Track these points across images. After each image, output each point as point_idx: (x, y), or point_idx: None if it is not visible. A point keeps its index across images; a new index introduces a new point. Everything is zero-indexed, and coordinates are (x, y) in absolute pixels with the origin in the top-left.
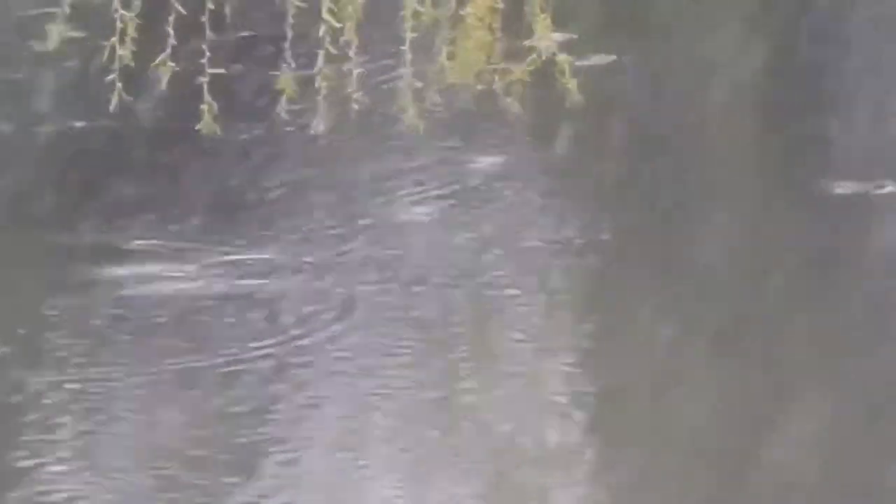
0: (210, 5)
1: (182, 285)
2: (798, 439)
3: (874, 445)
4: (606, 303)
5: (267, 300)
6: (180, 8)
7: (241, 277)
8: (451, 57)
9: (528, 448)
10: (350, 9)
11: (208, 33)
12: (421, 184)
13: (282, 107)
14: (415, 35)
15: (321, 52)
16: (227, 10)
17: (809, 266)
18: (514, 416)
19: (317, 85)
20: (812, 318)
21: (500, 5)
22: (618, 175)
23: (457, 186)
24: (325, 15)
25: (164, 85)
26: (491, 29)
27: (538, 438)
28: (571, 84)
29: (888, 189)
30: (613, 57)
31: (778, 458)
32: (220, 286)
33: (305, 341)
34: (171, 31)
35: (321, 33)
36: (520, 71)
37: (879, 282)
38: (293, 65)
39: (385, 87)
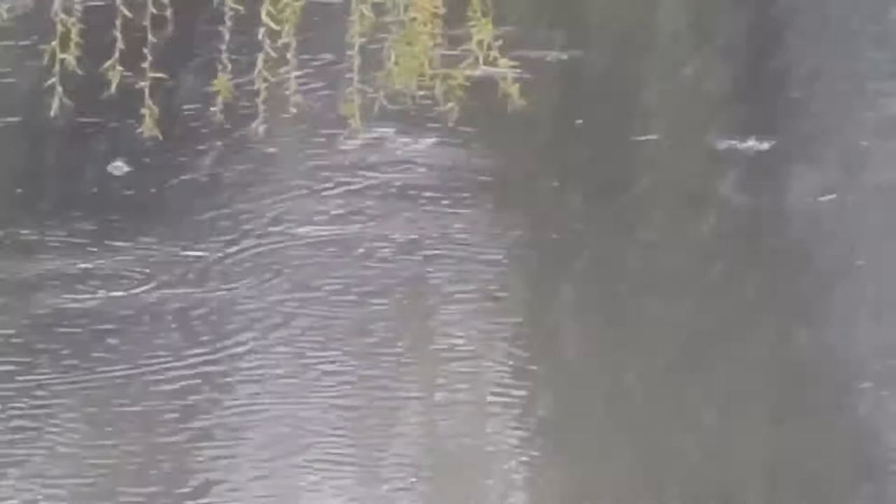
0: (152, 9)
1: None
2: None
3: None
4: (543, 304)
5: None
6: (126, 11)
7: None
8: (396, 62)
9: (462, 454)
10: (289, 11)
11: (150, 37)
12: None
13: (218, 109)
14: (363, 40)
15: (260, 55)
16: (169, 13)
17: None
18: (449, 419)
19: (255, 87)
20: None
21: (442, 10)
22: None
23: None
24: (265, 18)
25: (112, 89)
26: (432, 34)
27: (472, 443)
28: (513, 88)
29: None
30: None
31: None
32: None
33: (223, 353)
34: (118, 35)
35: (260, 36)
36: (460, 76)
37: None
38: (230, 67)
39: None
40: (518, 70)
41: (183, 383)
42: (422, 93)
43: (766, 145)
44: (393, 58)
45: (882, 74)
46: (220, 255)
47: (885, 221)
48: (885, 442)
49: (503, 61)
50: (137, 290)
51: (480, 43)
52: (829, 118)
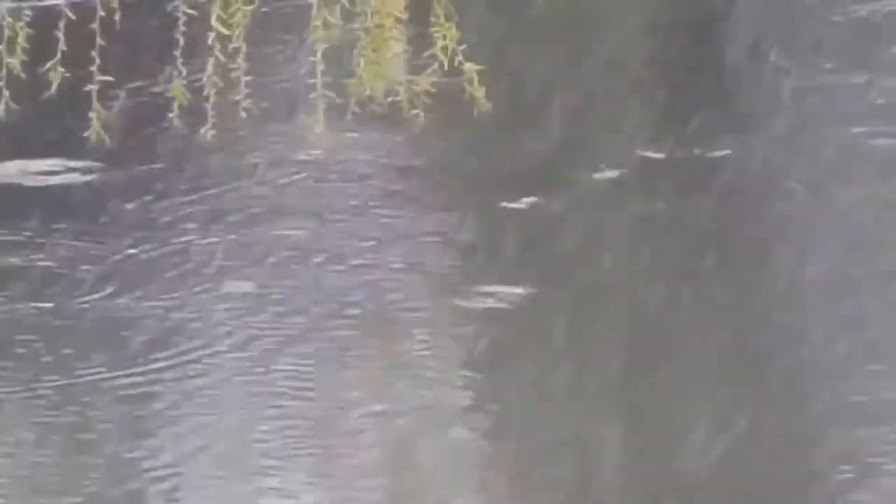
0: (101, 12)
1: None
2: None
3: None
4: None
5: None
6: (70, 14)
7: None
8: (364, 69)
9: (419, 465)
10: (239, 16)
11: (98, 40)
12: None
13: (174, 114)
14: (326, 46)
15: (210, 60)
16: (118, 17)
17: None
18: (404, 428)
19: (205, 93)
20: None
21: (405, 16)
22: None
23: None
24: (214, 22)
25: (53, 90)
26: (397, 40)
27: (429, 456)
28: (479, 92)
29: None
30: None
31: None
32: None
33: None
34: (60, 37)
35: (210, 41)
36: (425, 81)
37: None
38: (184, 72)
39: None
40: None
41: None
42: (389, 99)
43: None
44: (363, 64)
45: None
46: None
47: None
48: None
49: (469, 65)
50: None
51: (445, 48)
52: None
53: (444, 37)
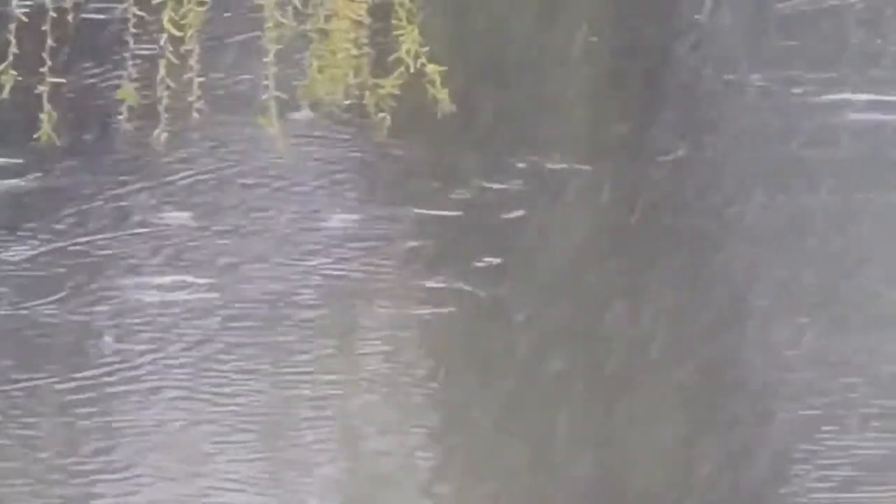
0: (52, 13)
1: None
2: None
3: None
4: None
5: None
6: (21, 16)
7: None
8: (319, 71)
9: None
10: (191, 17)
11: (49, 42)
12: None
13: (124, 116)
14: (279, 47)
15: (162, 62)
16: (70, 18)
17: None
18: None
19: (158, 95)
20: None
21: (367, 19)
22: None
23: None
24: (166, 24)
25: (5, 93)
26: (357, 43)
27: (387, 458)
28: (442, 94)
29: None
30: None
31: None
32: None
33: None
34: (12, 39)
35: (162, 42)
36: (389, 84)
37: None
38: (134, 74)
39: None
40: None
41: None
42: (348, 102)
43: None
44: (315, 65)
45: None
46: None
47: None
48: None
49: (432, 67)
50: None
51: (408, 51)
52: None
53: (407, 39)
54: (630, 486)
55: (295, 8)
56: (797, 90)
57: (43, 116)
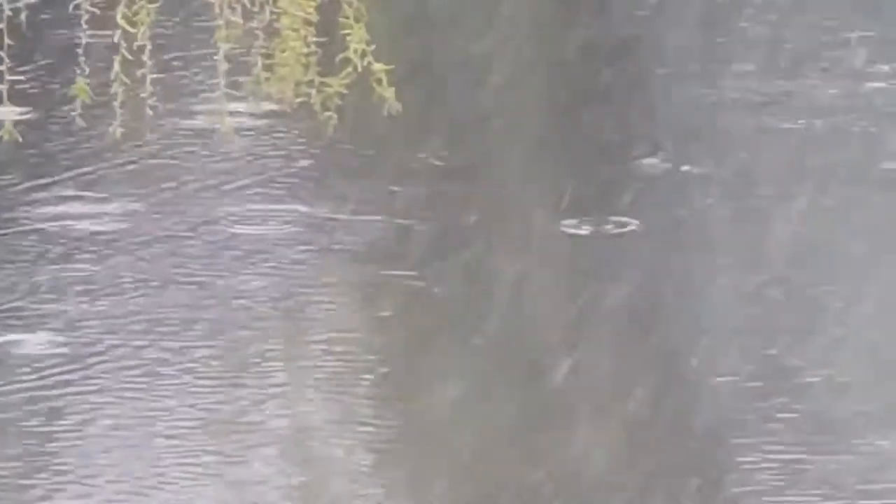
0: (7, 12)
1: None
2: None
3: None
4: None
5: None
6: None
7: None
8: (269, 69)
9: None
10: (143, 13)
11: (6, 40)
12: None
13: (77, 112)
14: (229, 45)
15: (117, 58)
16: (23, 16)
17: None
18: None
19: (113, 91)
20: None
21: (315, 17)
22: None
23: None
24: (120, 20)
25: None
26: (306, 41)
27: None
28: (389, 93)
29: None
30: None
31: None
32: None
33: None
34: None
35: (116, 39)
36: (337, 83)
37: None
38: (87, 71)
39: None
40: None
41: None
42: (297, 100)
43: None
44: (260, 64)
45: None
46: None
47: None
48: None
49: (378, 66)
50: None
51: (356, 50)
52: None
53: (355, 38)
54: (581, 475)
55: (244, 6)
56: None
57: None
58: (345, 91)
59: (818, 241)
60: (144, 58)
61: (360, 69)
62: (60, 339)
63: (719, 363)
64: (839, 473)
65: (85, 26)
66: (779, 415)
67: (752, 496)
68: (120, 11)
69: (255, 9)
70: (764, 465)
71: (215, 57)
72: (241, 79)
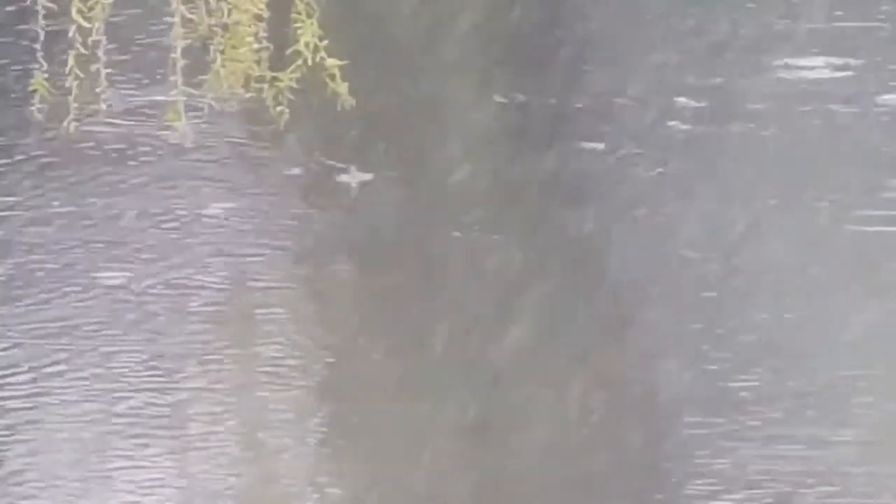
0: None
1: None
2: None
3: None
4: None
5: None
6: None
7: None
8: (223, 65)
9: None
10: (98, 9)
11: None
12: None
13: (35, 107)
14: (186, 42)
15: (72, 53)
16: None
17: None
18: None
19: (68, 85)
20: None
21: (266, 13)
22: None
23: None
24: (75, 15)
25: None
26: (257, 37)
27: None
28: (342, 88)
29: None
30: None
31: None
32: None
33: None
34: None
35: (71, 34)
36: (287, 78)
37: None
38: (45, 66)
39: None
40: None
41: None
42: (248, 95)
43: None
44: (219, 61)
45: None
46: None
47: None
48: None
49: (331, 61)
50: None
51: (307, 44)
52: None
53: (306, 32)
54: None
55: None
56: None
57: None
58: (295, 85)
59: None
60: (99, 53)
61: (310, 63)
62: None
63: None
64: None
65: (42, 22)
66: None
67: None
68: (75, 7)
69: (212, 5)
70: None
71: (172, 55)
72: (200, 78)
